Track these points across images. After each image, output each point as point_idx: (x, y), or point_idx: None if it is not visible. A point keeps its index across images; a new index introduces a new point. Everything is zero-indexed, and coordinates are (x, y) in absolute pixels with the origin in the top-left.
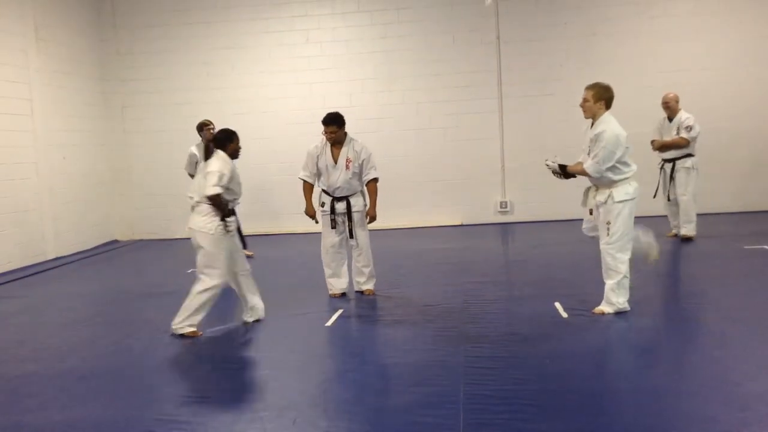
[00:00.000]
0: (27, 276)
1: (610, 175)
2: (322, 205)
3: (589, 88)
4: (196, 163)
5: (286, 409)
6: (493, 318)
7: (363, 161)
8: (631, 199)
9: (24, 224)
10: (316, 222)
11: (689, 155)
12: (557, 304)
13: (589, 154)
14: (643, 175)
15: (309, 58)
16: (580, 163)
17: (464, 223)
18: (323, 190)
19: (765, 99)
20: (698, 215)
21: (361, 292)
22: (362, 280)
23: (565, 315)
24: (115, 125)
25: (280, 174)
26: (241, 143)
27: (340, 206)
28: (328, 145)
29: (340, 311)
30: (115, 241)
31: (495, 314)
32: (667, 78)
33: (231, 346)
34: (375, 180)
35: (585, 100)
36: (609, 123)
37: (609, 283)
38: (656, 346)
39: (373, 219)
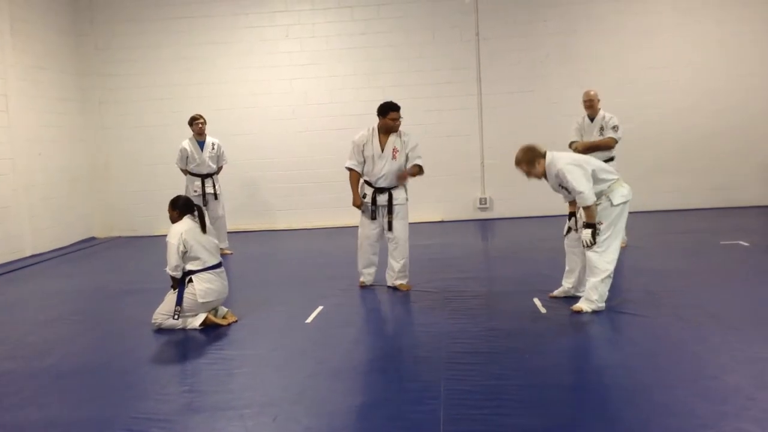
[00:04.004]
0: (4, 273)
1: (601, 188)
2: (364, 196)
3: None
4: (187, 157)
5: (267, 406)
6: (474, 313)
7: (411, 149)
8: (626, 202)
9: (0, 221)
10: (364, 212)
11: (612, 158)
12: (536, 300)
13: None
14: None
15: (290, 53)
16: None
17: (444, 220)
18: (365, 182)
19: (746, 96)
20: (678, 211)
21: (394, 288)
22: (397, 274)
23: (544, 310)
24: (93, 120)
25: (263, 170)
26: (223, 139)
27: (382, 198)
28: (376, 133)
29: (320, 308)
30: (93, 238)
31: (475, 310)
32: (649, 74)
33: (210, 343)
34: (419, 166)
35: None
36: (559, 160)
37: (592, 281)
38: (634, 341)
39: (407, 176)
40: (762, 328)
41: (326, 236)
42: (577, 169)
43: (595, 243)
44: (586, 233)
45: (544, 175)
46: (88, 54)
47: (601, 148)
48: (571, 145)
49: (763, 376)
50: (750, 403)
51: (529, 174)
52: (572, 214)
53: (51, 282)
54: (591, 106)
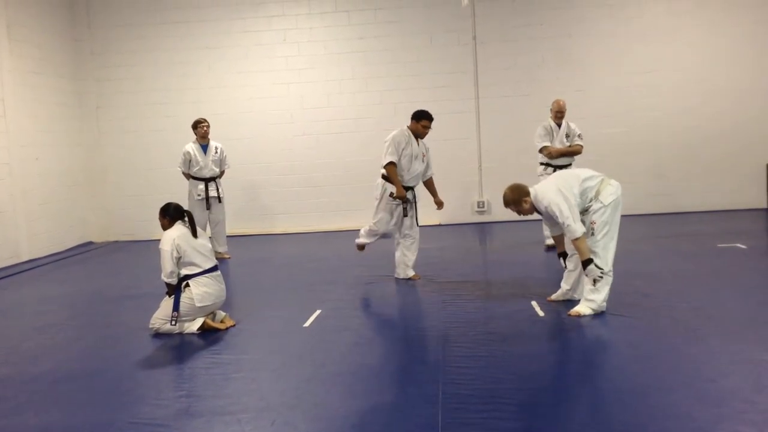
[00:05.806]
0: (0, 278)
1: (590, 195)
2: (391, 194)
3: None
4: (190, 161)
5: (265, 410)
6: (472, 317)
7: (429, 155)
8: (617, 198)
9: None
10: (397, 207)
11: (570, 164)
12: (534, 303)
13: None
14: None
15: (286, 58)
16: (575, 241)
17: (442, 223)
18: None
19: (739, 99)
20: (675, 214)
21: (407, 280)
22: (409, 267)
23: (542, 314)
24: (90, 125)
25: (260, 174)
26: (221, 144)
27: (410, 195)
28: (412, 136)
29: (318, 312)
30: (91, 243)
31: (473, 313)
32: (644, 78)
33: (208, 348)
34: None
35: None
36: (544, 195)
37: (589, 281)
38: (631, 344)
39: (442, 205)
40: (760, 330)
41: (324, 240)
42: (562, 203)
43: (604, 272)
44: (591, 270)
45: (534, 210)
46: (85, 59)
47: (572, 154)
48: (542, 150)
49: (761, 379)
50: (747, 406)
51: (520, 212)
52: (562, 255)
53: (48, 287)
54: (563, 115)
